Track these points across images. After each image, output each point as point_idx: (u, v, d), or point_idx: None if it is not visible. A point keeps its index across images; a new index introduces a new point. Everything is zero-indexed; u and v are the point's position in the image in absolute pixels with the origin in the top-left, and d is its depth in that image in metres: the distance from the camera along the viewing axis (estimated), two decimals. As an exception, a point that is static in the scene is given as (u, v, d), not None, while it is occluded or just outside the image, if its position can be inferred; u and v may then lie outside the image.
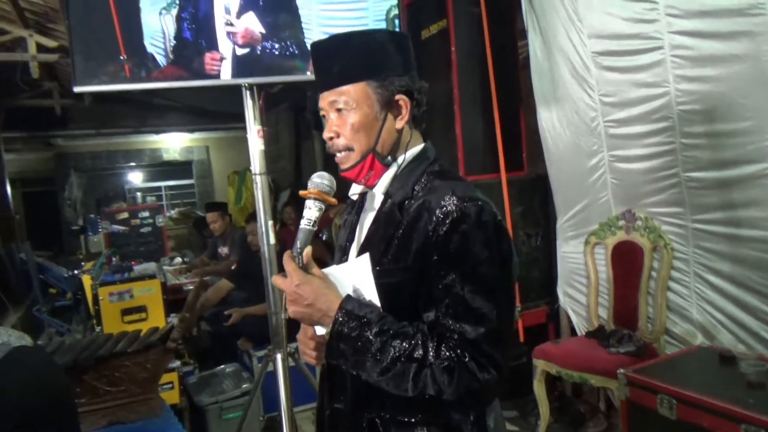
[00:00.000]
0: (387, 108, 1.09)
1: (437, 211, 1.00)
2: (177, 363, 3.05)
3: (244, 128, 2.48)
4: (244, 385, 3.19)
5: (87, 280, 4.38)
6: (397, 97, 1.09)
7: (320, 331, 1.04)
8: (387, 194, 1.10)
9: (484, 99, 3.34)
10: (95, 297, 3.07)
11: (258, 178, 2.39)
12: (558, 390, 3.21)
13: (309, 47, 2.37)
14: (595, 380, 2.59)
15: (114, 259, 4.56)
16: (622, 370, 2.17)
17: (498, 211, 1.04)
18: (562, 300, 3.29)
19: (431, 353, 0.95)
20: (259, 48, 2.36)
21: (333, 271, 1.05)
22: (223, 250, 5.20)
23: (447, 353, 0.95)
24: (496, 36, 3.34)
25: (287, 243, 4.10)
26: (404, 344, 0.96)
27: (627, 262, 2.89)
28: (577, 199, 3.18)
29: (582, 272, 3.16)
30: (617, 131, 2.84)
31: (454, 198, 1.00)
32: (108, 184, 10.12)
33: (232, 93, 2.52)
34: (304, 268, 1.03)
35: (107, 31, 2.19)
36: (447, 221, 0.98)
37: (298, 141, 7.89)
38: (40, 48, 5.16)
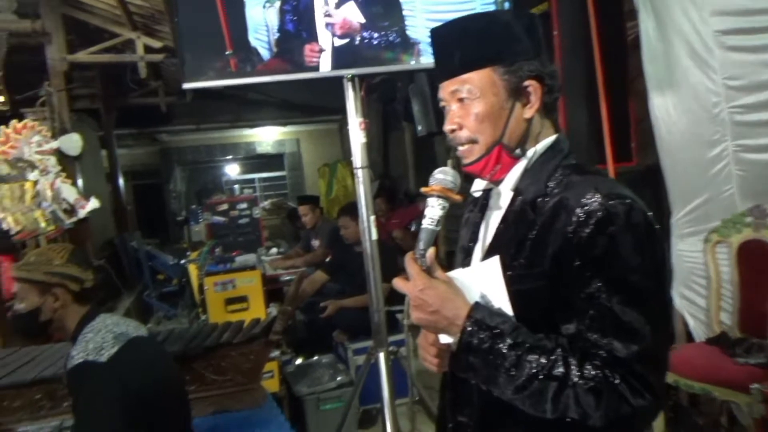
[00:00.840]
0: (515, 95, 1.00)
1: (578, 211, 0.89)
2: (276, 352, 3.11)
3: (334, 121, 2.47)
4: (340, 377, 3.21)
5: (193, 269, 4.61)
6: (527, 83, 0.99)
7: (445, 339, 0.96)
8: (516, 191, 1.01)
9: (589, 85, 3.13)
10: (201, 286, 3.19)
11: (360, 172, 2.34)
12: (672, 400, 2.97)
13: (411, 36, 2.32)
14: (720, 392, 2.36)
15: (216, 249, 4.77)
16: (757, 385, 1.95)
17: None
18: (678, 302, 3.04)
19: (574, 371, 0.85)
20: (358, 38, 2.33)
21: (459, 275, 0.97)
22: (315, 243, 5.28)
23: (593, 372, 0.85)
24: (602, 18, 3.12)
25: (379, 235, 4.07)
26: (542, 360, 0.87)
27: (756, 263, 2.61)
28: (696, 193, 2.91)
29: (701, 273, 2.89)
30: (745, 118, 2.57)
31: (598, 195, 0.89)
32: (207, 177, 10.64)
33: (325, 86, 2.50)
34: (428, 271, 0.96)
35: (214, 28, 2.24)
36: (590, 222, 0.87)
37: (387, 132, 7.88)
38: (147, 49, 5.45)
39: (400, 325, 3.21)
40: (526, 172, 1.01)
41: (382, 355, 2.34)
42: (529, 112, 1.01)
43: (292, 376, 3.35)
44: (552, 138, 1.03)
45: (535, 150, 1.02)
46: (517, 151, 1.02)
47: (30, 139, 4.59)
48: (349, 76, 2.32)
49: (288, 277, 4.65)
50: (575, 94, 3.18)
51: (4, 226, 4.30)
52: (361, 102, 2.34)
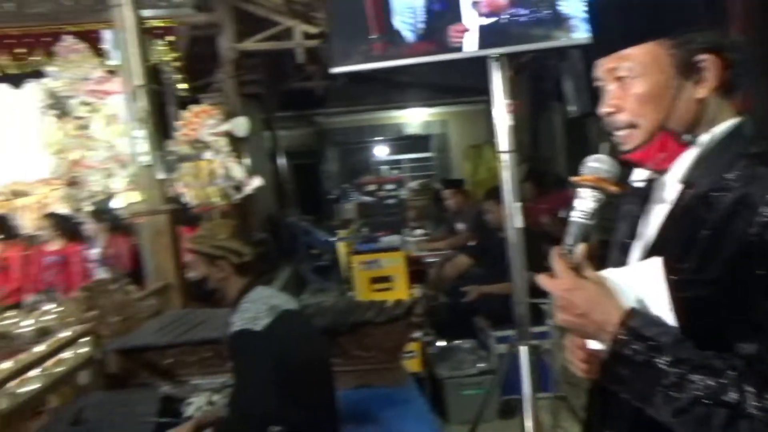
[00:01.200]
0: (685, 72, 0.86)
1: (764, 210, 0.76)
2: (419, 333, 3.15)
3: (482, 101, 2.38)
4: (481, 364, 3.17)
5: (342, 247, 4.85)
6: (700, 57, 0.86)
7: (594, 345, 0.88)
8: (686, 183, 0.88)
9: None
10: (349, 264, 3.33)
11: (505, 156, 2.25)
12: None
13: (563, 11, 2.16)
14: None
15: (364, 229, 4.96)
16: None
17: None
18: None
19: (752, 400, 0.73)
20: (505, 16, 2.22)
21: (613, 275, 0.87)
22: (460, 226, 5.24)
23: None
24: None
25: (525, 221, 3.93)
26: (710, 382, 0.75)
27: None
28: None
29: None
30: None
31: None
32: (357, 157, 11.06)
33: (472, 66, 2.42)
34: (577, 269, 0.88)
35: (360, 12, 2.27)
36: None
37: (536, 112, 7.55)
38: (305, 35, 5.76)
39: (546, 316, 3.08)
40: (699, 161, 0.87)
41: (524, 349, 2.25)
42: (702, 92, 0.87)
43: (433, 357, 3.39)
44: (732, 122, 0.88)
45: (710, 136, 0.88)
46: (687, 136, 0.88)
47: (205, 123, 5.11)
48: (496, 55, 2.23)
49: (432, 259, 4.69)
50: (758, 67, 2.76)
51: (186, 201, 4.87)
52: (510, 82, 2.23)
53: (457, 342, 3.56)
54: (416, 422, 2.26)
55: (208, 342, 2.59)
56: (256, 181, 5.23)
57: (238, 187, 5.14)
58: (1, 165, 5.67)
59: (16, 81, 5.51)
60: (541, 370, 2.50)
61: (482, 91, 2.39)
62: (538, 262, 1.01)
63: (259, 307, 1.90)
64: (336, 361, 2.38)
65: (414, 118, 10.54)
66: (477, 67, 2.36)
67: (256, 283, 2.01)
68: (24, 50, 5.35)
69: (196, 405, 2.30)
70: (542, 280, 0.89)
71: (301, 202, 8.62)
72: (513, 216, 2.24)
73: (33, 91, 5.23)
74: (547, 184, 5.76)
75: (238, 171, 5.14)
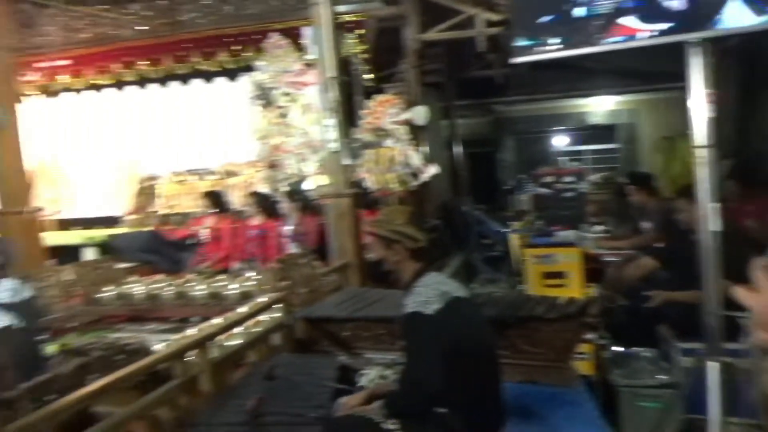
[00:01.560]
0: None
1: None
2: (593, 335, 3.01)
3: (678, 88, 2.15)
4: (661, 376, 2.92)
5: (514, 239, 4.77)
6: None
7: None
8: None
9: None
10: (521, 257, 3.29)
11: (702, 152, 2.03)
12: None
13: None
14: None
15: (538, 222, 4.82)
16: None
17: None
18: None
19: None
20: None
21: None
22: (645, 225, 4.84)
23: None
24: None
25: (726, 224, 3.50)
26: None
27: None
28: None
29: None
30: None
31: None
32: (536, 147, 10.69)
33: (667, 49, 2.21)
34: None
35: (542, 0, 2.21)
36: None
37: (746, 102, 6.59)
38: (487, 23, 5.71)
39: (743, 332, 2.74)
40: None
41: (713, 365, 2.03)
42: None
43: (608, 362, 3.20)
44: None
45: None
46: None
47: (388, 111, 5.37)
48: (698, 40, 2.01)
49: (611, 259, 4.40)
50: None
51: (367, 186, 5.18)
52: (712, 70, 2.00)
53: (635, 349, 3.32)
54: (585, 427, 2.18)
55: (382, 320, 2.76)
56: (433, 169, 5.36)
57: (415, 174, 5.32)
58: (218, 148, 6.59)
59: (232, 75, 6.33)
60: (734, 391, 2.23)
61: (678, 77, 2.18)
62: (737, 271, 0.92)
63: (430, 292, 1.98)
64: (503, 353, 2.39)
65: (599, 106, 9.90)
66: (673, 51, 2.16)
67: (429, 269, 2.10)
68: (239, 47, 6.13)
69: (369, 377, 2.47)
70: (739, 293, 0.81)
71: (475, 191, 8.61)
72: (709, 218, 2.02)
73: (244, 83, 5.93)
74: (755, 183, 5.05)
75: (416, 158, 5.32)
